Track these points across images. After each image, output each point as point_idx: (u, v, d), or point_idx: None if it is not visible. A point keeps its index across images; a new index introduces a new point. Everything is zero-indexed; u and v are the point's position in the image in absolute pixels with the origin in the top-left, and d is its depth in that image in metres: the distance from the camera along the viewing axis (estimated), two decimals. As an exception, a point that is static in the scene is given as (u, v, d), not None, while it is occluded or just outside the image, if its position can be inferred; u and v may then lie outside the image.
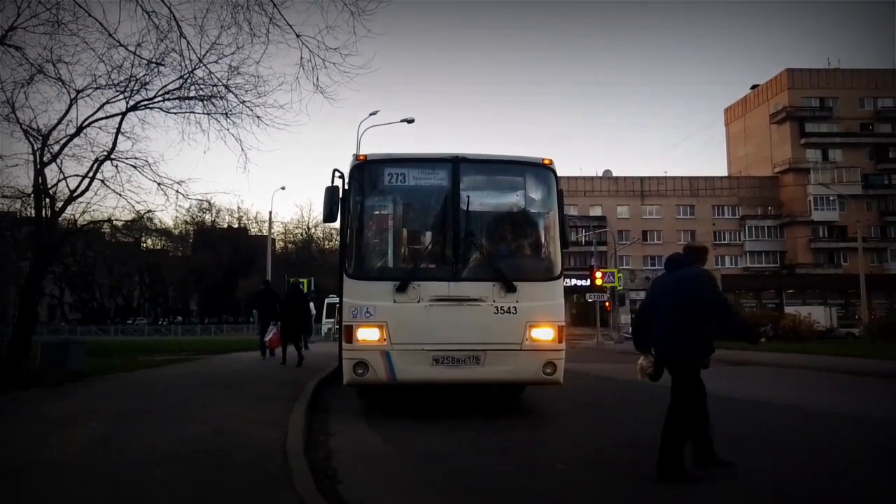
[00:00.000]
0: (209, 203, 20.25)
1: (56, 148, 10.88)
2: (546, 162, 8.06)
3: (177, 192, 11.46)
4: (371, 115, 25.16)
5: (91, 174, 11.06)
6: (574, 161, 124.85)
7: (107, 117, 11.04)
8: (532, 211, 8.42)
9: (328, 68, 9.40)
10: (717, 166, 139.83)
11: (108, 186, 11.33)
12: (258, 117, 10.87)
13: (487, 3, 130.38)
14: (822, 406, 9.38)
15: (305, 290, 22.24)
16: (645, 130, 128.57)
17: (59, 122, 10.82)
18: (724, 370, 13.60)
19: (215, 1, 9.88)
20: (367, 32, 9.23)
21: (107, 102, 10.90)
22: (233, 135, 11.10)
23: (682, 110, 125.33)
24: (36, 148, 10.71)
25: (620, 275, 36.69)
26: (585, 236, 51.36)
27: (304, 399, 8.33)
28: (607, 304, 39.01)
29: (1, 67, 12.77)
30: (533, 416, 8.52)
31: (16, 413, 7.60)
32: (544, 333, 7.53)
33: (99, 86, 10.68)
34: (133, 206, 11.89)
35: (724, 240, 60.79)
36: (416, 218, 8.41)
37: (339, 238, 11.36)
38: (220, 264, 59.52)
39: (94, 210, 12.83)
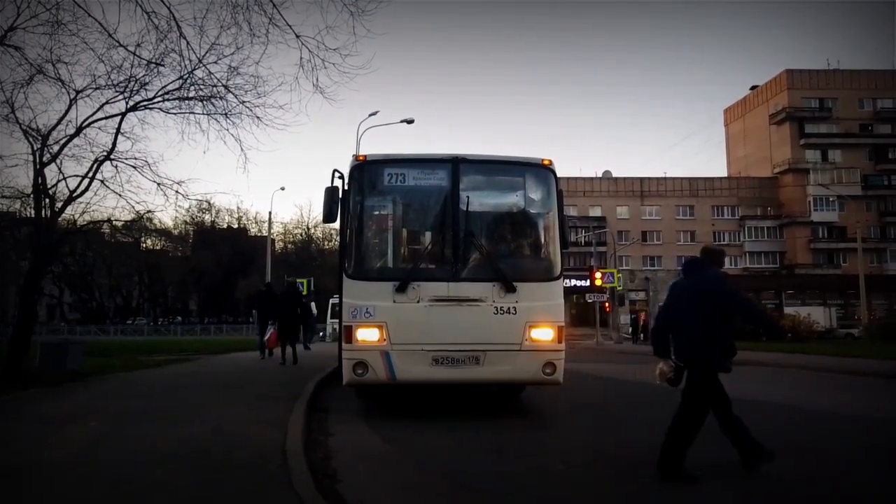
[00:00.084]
0: (209, 203, 20.33)
1: (56, 148, 10.89)
2: (546, 162, 8.06)
3: (176, 192, 11.47)
4: (371, 115, 25.18)
5: (91, 174, 11.07)
6: (574, 161, 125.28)
7: (106, 117, 11.05)
8: (532, 211, 8.42)
9: (328, 68, 9.42)
10: (716, 167, 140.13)
11: (107, 187, 11.35)
12: (258, 117, 10.89)
13: (487, 3, 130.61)
14: (822, 406, 9.38)
15: (305, 291, 22.26)
16: (645, 130, 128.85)
17: (59, 122, 10.84)
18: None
19: (215, 1, 9.87)
20: (367, 32, 9.25)
21: (106, 103, 10.92)
22: (232, 135, 11.13)
23: (681, 110, 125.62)
24: (35, 148, 10.71)
25: (620, 275, 36.69)
26: (585, 237, 51.36)
27: (304, 399, 8.33)
28: (607, 304, 39.01)
29: (1, 67, 12.77)
30: (533, 416, 8.52)
31: (15, 413, 7.60)
32: (544, 334, 7.53)
33: (99, 86, 10.70)
34: (133, 207, 11.90)
35: (724, 240, 60.70)
36: (415, 218, 8.41)
37: (338, 238, 11.36)
38: (220, 264, 59.55)
39: (93, 210, 12.85)
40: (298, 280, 22.35)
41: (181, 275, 60.93)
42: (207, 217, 55.13)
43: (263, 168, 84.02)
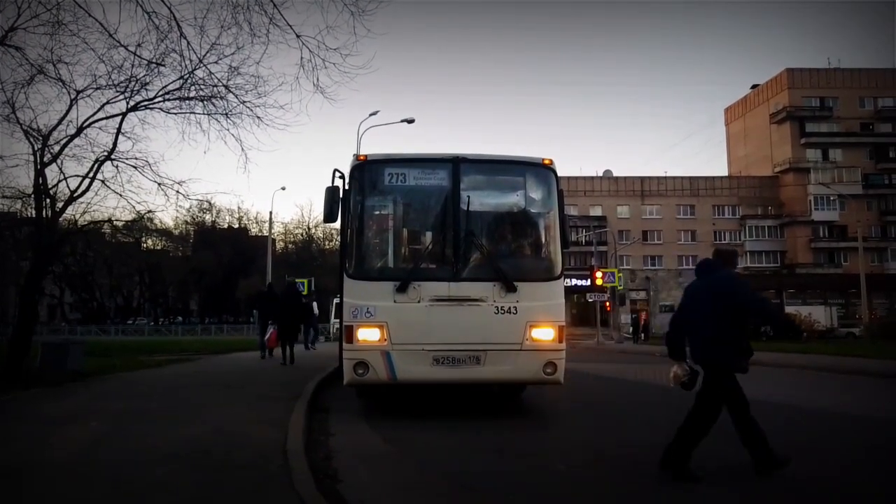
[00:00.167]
0: (209, 203, 20.23)
1: (56, 148, 10.90)
2: (546, 162, 8.06)
3: (177, 192, 11.48)
4: (371, 115, 25.16)
5: (91, 174, 11.08)
6: (574, 161, 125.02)
7: (107, 118, 11.06)
8: (532, 211, 8.42)
9: (328, 68, 9.41)
10: (717, 166, 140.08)
11: (108, 187, 11.36)
12: (258, 117, 10.89)
13: (487, 3, 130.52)
14: (822, 406, 9.39)
15: (306, 291, 22.27)
16: (645, 130, 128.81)
17: (60, 122, 10.85)
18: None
19: (215, 1, 9.86)
20: (367, 32, 9.24)
21: (107, 103, 10.93)
22: (233, 135, 11.13)
23: (682, 110, 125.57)
24: (36, 148, 10.72)
25: (621, 275, 36.67)
26: (585, 236, 51.35)
27: (305, 399, 8.33)
28: (607, 304, 39.02)
29: (1, 68, 12.75)
30: (533, 416, 8.52)
31: (16, 413, 7.60)
32: (545, 333, 7.53)
33: (99, 86, 10.71)
34: (133, 207, 11.91)
35: (725, 240, 60.63)
36: (416, 218, 8.40)
37: (339, 238, 11.36)
38: (221, 264, 59.53)
39: (94, 210, 12.82)
40: (299, 280, 22.37)
41: (182, 275, 60.93)
42: (208, 217, 55.26)
43: (264, 168, 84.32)
